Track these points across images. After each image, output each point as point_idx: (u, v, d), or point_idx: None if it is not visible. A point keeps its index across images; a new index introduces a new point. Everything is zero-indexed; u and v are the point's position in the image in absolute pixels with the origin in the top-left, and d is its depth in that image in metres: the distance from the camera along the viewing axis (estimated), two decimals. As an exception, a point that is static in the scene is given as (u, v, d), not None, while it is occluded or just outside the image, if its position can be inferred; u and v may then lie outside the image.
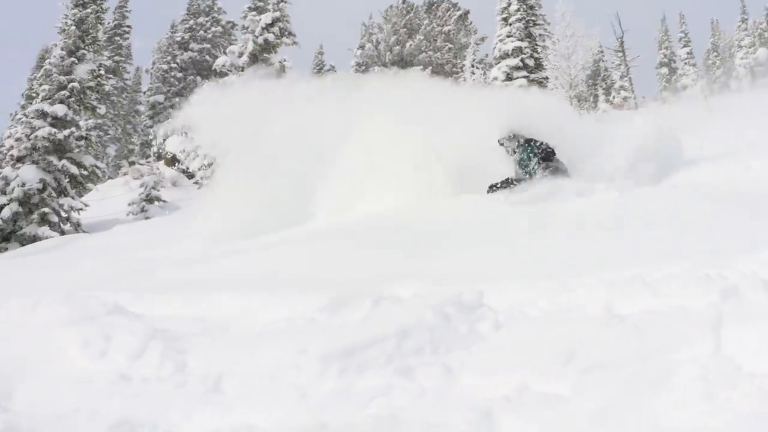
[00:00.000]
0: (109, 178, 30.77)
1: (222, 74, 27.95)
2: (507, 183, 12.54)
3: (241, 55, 28.70)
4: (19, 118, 29.55)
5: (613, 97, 48.61)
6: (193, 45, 48.27)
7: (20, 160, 25.82)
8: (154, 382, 6.70)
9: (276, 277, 9.22)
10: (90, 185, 28.59)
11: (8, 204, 24.72)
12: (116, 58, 52.18)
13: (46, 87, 27.20)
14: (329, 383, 5.67)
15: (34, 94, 31.77)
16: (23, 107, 34.76)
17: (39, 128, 25.78)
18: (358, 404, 5.14)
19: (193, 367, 6.73)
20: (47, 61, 29.59)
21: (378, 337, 6.01)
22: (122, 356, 7.20)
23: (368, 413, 4.98)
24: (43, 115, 26.19)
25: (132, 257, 13.71)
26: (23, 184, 24.93)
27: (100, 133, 24.88)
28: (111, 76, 29.64)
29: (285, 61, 29.30)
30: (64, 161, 25.69)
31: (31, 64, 47.87)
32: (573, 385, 4.70)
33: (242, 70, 27.90)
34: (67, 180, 26.07)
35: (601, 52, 55.98)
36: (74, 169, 26.00)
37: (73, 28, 28.05)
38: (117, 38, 53.46)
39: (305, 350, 6.13)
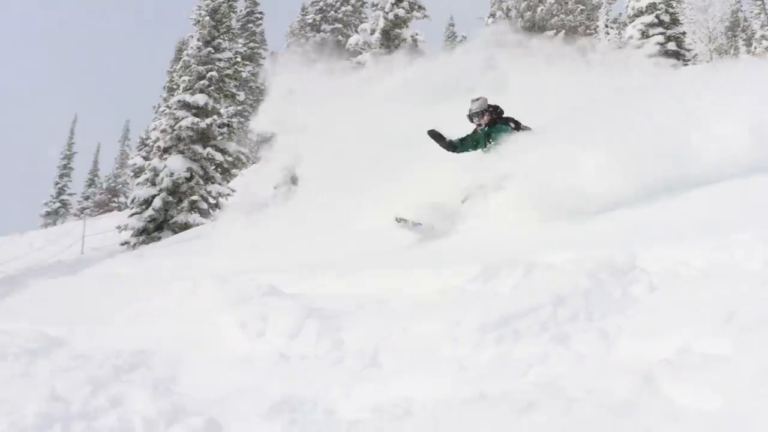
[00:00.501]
0: (253, 163, 31.44)
1: (356, 53, 27.98)
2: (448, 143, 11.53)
3: (372, 32, 28.66)
4: (163, 110, 30.46)
5: (755, 48, 46.50)
6: (324, 26, 48.61)
7: (167, 150, 26.59)
8: (311, 360, 6.79)
9: (413, 252, 9.20)
10: (235, 171, 29.24)
11: (159, 194, 25.50)
12: (251, 44, 53.12)
13: (186, 78, 27.87)
14: (486, 353, 5.64)
15: (174, 86, 32.66)
16: (165, 99, 35.87)
17: (182, 119, 26.46)
18: (516, 373, 5.11)
19: (349, 344, 6.78)
20: (185, 52, 30.30)
21: (532, 305, 5.96)
22: (279, 336, 7.33)
23: (528, 381, 4.94)
24: (185, 105, 26.86)
25: (279, 239, 13.96)
26: (171, 174, 25.66)
27: (241, 119, 25.45)
28: (247, 62, 30.15)
29: (417, 35, 29.15)
30: (208, 149, 26.33)
31: (170, 57, 49.30)
32: (736, 345, 4.54)
33: (375, 48, 27.91)
34: (213, 167, 26.72)
35: (739, 1, 53.89)
36: (219, 156, 26.64)
37: (207, 18, 28.59)
38: (250, 25, 54.43)
39: (460, 321, 6.11)
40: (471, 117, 11.22)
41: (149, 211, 25.46)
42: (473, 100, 11.23)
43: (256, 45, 57.42)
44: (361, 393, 5.51)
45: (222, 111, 27.48)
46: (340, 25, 47.77)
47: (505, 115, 11.16)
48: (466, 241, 8.83)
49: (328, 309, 7.59)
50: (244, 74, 28.85)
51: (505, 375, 5.13)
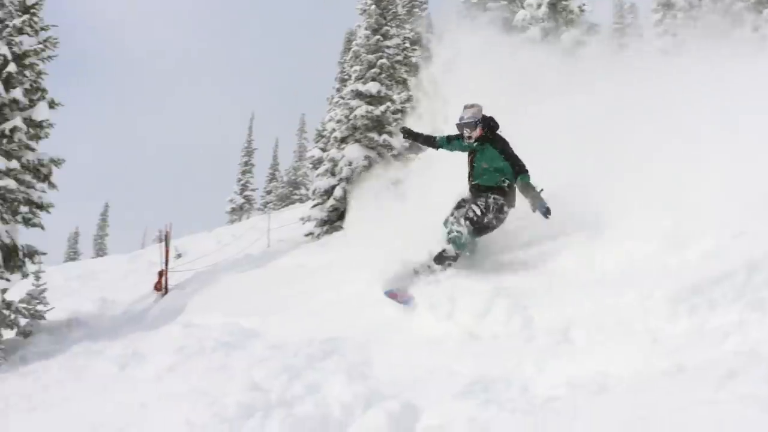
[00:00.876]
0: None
1: (523, 29, 27.52)
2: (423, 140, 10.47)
3: (539, 6, 28.10)
4: (336, 101, 30.90)
5: None
6: (490, 4, 48.10)
7: (344, 140, 26.96)
8: (502, 338, 6.82)
9: (590, 226, 8.90)
10: (411, 155, 29.43)
11: (338, 184, 25.89)
12: (418, 29, 53.33)
13: (357, 67, 28.17)
14: (680, 324, 5.59)
15: (346, 77, 33.04)
16: (338, 90, 36.41)
17: (356, 108, 26.75)
18: (712, 342, 5.03)
19: (539, 321, 6.79)
20: (354, 42, 30.59)
21: (725, 273, 5.87)
22: (468, 316, 7.39)
23: (726, 350, 4.85)
24: (358, 94, 27.15)
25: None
26: (350, 164, 25.98)
27: (414, 104, 25.54)
28: (416, 47, 30.20)
29: (584, 5, 28.38)
30: (384, 136, 26.53)
31: (339, 48, 50.01)
32: None
33: (543, 22, 27.38)
34: (390, 153, 26.91)
35: None
36: (395, 143, 26.82)
37: (373, 7, 28.78)
38: (416, 10, 54.55)
39: (651, 293, 6.04)
40: (461, 127, 9.66)
41: (330, 201, 25.86)
42: (466, 107, 9.77)
43: (423, 29, 57.47)
44: (555, 369, 5.51)
45: (395, 97, 27.64)
46: (505, 2, 47.18)
47: (498, 132, 9.67)
48: (647, 213, 8.51)
49: (516, 287, 7.57)
50: (413, 59, 28.84)
51: (701, 345, 5.06)
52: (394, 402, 5.25)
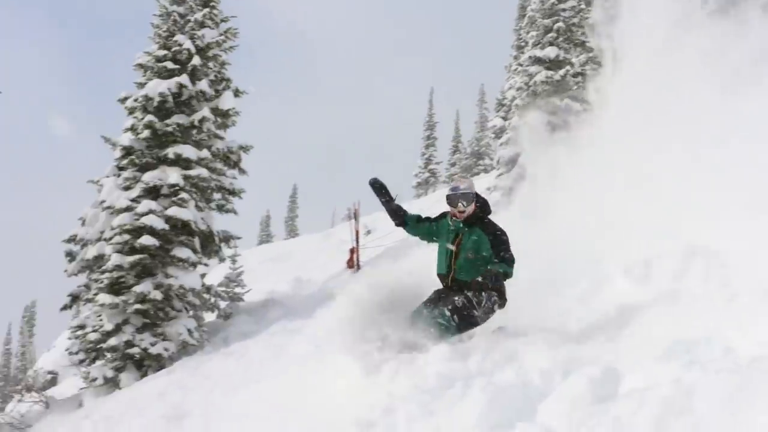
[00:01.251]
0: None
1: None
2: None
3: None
4: (515, 69, 30.72)
5: None
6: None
7: (525, 107, 26.91)
8: (701, 299, 6.70)
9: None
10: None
11: (522, 152, 25.86)
12: (591, -10, 52.17)
13: (533, 33, 28.04)
14: None
15: (522, 43, 32.80)
16: (515, 58, 36.09)
17: (536, 74, 26.66)
18: None
19: (740, 279, 6.64)
20: (528, 8, 30.40)
21: None
22: (665, 278, 7.30)
23: None
24: (537, 60, 27.03)
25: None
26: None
27: (594, 66, 24.90)
28: (592, 7, 29.60)
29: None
30: (566, 100, 26.26)
31: (513, 15, 49.47)
32: None
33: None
34: (573, 118, 26.61)
35: None
36: (577, 107, 26.49)
37: (546, -30, 28.55)
38: (590, -32, 53.51)
39: None
40: (456, 198, 7.87)
41: (516, 170, 25.85)
42: (461, 176, 8.11)
43: (599, -13, 55.75)
44: (759, 329, 5.37)
45: (573, 60, 27.29)
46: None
47: (491, 218, 8.07)
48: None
49: (713, 247, 7.42)
50: (590, 20, 28.32)
51: None
52: (594, 367, 5.22)
